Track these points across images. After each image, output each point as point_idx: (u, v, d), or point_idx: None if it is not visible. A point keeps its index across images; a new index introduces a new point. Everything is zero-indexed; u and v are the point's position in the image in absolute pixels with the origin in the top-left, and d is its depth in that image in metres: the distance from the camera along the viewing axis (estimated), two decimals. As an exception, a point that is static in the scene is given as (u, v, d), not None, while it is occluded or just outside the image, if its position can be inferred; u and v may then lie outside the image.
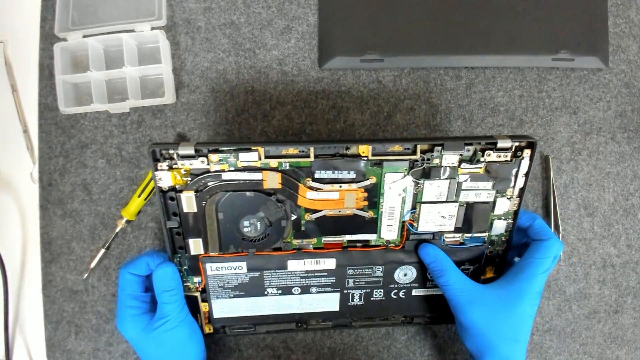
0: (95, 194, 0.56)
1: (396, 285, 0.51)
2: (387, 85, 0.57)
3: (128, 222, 0.55)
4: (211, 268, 0.48)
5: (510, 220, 0.48)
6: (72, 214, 0.56)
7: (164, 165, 0.43)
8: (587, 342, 0.58)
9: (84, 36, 0.55)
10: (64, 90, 0.55)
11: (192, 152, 0.42)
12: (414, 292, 0.52)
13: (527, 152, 0.45)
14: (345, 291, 0.51)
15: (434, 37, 0.56)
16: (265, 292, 0.50)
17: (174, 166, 0.43)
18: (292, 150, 0.44)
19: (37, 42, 0.57)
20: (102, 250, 0.55)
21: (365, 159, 0.44)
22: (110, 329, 0.56)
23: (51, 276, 0.56)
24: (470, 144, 0.44)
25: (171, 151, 0.42)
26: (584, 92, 0.58)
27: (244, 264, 0.48)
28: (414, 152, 0.44)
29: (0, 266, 0.54)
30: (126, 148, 0.57)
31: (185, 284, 0.49)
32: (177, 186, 0.43)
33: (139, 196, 0.55)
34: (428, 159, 0.45)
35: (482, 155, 0.45)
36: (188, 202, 0.44)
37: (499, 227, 0.48)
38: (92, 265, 0.55)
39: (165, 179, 0.43)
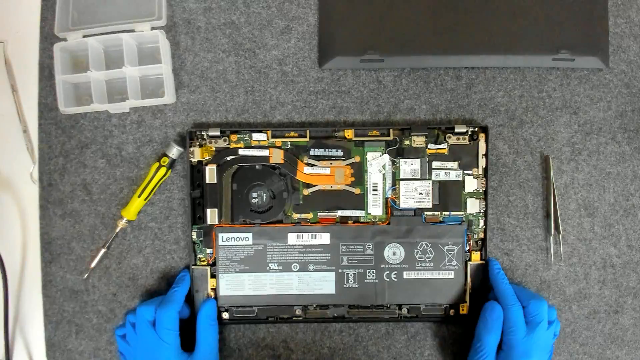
0: (95, 194, 0.56)
1: (387, 266, 0.55)
2: (387, 85, 0.57)
3: (128, 222, 0.55)
4: (222, 238, 0.55)
5: (482, 200, 0.55)
6: (72, 214, 0.56)
7: (196, 143, 0.55)
8: (587, 342, 0.58)
9: (84, 36, 0.55)
10: (64, 90, 0.55)
11: (218, 133, 0.54)
12: (405, 275, 0.55)
13: (482, 136, 0.55)
14: (340, 270, 0.55)
15: (434, 37, 0.56)
16: (268, 268, 0.55)
17: (203, 144, 0.55)
18: (293, 133, 0.55)
19: (37, 42, 0.57)
20: (103, 250, 0.55)
21: (349, 140, 0.55)
22: (111, 328, 0.56)
23: (51, 276, 0.56)
24: (433, 128, 0.54)
25: (202, 132, 0.54)
26: (584, 92, 0.58)
27: (250, 235, 0.55)
28: (389, 135, 0.55)
29: (0, 266, 0.54)
30: (126, 148, 0.57)
31: (198, 256, 0.55)
32: (203, 160, 0.54)
33: (139, 196, 0.55)
34: (400, 140, 0.54)
35: (445, 140, 0.55)
36: (210, 173, 0.54)
37: (473, 205, 0.55)
38: (93, 265, 0.55)
39: (196, 154, 0.54)
